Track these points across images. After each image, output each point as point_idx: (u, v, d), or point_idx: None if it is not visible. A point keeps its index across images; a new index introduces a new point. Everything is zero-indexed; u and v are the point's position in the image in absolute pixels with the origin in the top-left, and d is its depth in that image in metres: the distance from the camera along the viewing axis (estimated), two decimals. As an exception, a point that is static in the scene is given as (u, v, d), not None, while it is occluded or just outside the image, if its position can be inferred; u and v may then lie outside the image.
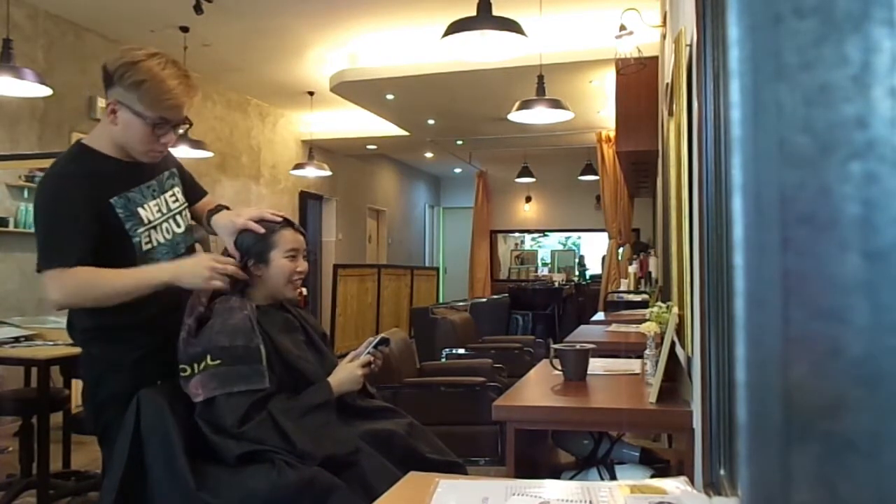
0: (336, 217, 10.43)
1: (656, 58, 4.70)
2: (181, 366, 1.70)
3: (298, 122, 9.30)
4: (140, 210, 1.77)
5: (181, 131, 1.80)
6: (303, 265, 1.89)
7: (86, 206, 1.67)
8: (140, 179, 1.79)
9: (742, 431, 0.37)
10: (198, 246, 2.01)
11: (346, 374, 1.85)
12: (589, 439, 2.17)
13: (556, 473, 2.16)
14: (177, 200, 1.89)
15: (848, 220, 0.33)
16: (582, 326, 4.60)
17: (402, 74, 6.43)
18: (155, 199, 1.82)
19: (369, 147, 10.30)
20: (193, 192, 2.01)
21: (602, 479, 2.05)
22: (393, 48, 6.36)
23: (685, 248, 1.79)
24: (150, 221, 1.79)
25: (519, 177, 11.14)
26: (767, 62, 0.35)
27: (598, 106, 7.44)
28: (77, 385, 3.86)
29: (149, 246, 1.78)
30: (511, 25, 3.38)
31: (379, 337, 1.97)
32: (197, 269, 1.69)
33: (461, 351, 4.43)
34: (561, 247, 14.89)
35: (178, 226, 1.88)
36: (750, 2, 0.36)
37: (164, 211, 1.84)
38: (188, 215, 1.94)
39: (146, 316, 1.75)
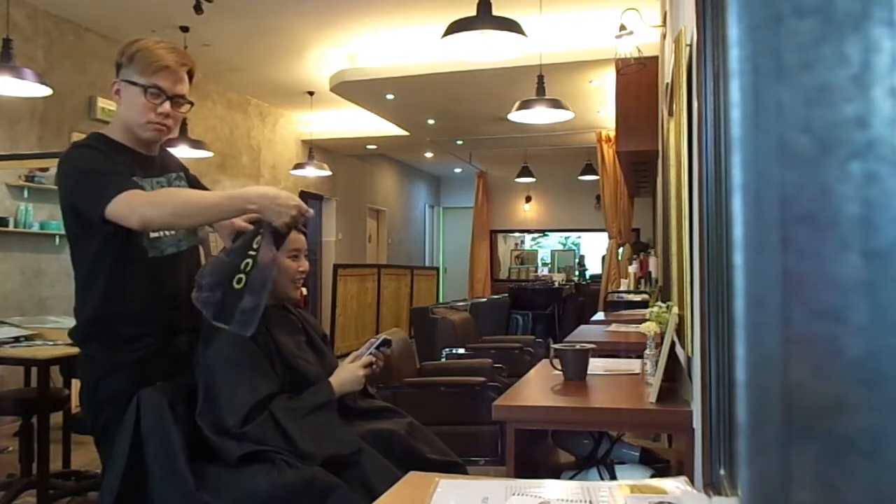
0: (336, 217, 10.42)
1: (656, 58, 4.70)
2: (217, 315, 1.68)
3: (298, 122, 9.30)
4: None
5: (184, 109, 1.82)
6: (304, 265, 1.90)
7: (111, 162, 1.71)
8: (151, 173, 1.82)
9: (742, 431, 0.37)
10: (203, 231, 2.01)
11: (347, 374, 1.85)
12: (589, 439, 2.17)
13: (556, 473, 2.16)
14: None
15: (848, 220, 0.33)
16: (582, 326, 4.60)
17: (402, 74, 6.44)
18: None
19: (369, 147, 10.30)
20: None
21: (602, 479, 2.05)
22: (393, 48, 6.36)
23: (685, 248, 1.79)
24: None
25: (519, 177, 11.14)
26: (767, 62, 0.35)
27: (598, 106, 7.44)
28: (77, 385, 3.85)
29: (156, 234, 1.79)
30: (511, 25, 3.38)
31: (381, 338, 1.97)
32: (281, 202, 1.66)
33: (461, 351, 4.43)
34: (561, 247, 14.89)
35: None
36: (750, 2, 0.36)
37: None
38: None
39: (147, 315, 1.76)
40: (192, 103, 1.84)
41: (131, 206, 1.60)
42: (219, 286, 1.67)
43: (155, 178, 1.82)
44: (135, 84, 1.74)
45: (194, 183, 2.02)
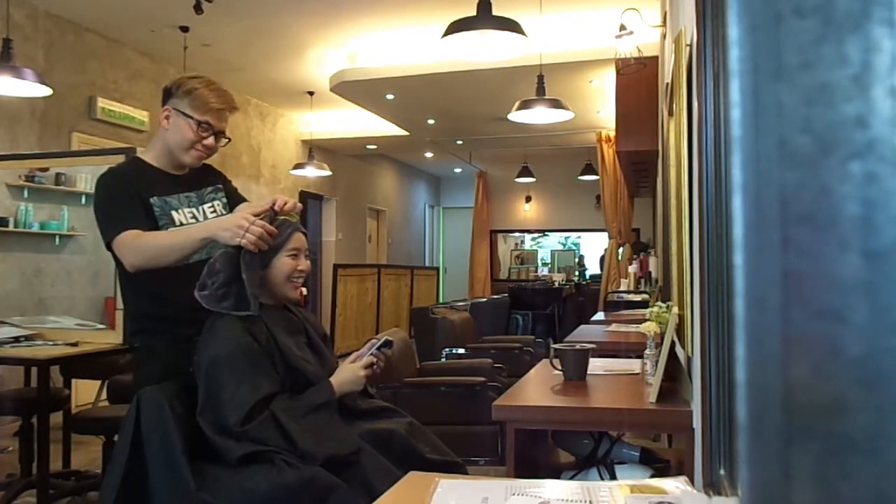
0: (336, 217, 10.42)
1: (656, 58, 4.70)
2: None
3: (298, 122, 9.30)
4: (174, 213, 1.98)
5: (222, 143, 2.05)
6: (304, 264, 1.90)
7: (135, 194, 1.94)
8: (180, 189, 2.02)
9: (742, 431, 0.37)
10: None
11: (348, 374, 1.85)
12: (589, 439, 2.17)
13: (556, 473, 2.16)
14: (214, 212, 2.09)
15: (848, 220, 0.33)
16: (582, 326, 4.59)
17: (402, 74, 6.43)
18: (191, 207, 2.03)
19: (369, 147, 10.30)
20: (235, 202, 2.19)
21: (602, 479, 2.05)
22: (393, 48, 6.36)
23: (685, 248, 1.79)
24: (181, 224, 1.97)
25: (519, 177, 11.14)
26: (767, 62, 0.35)
27: (598, 106, 7.44)
28: (77, 385, 3.86)
29: None
30: (511, 25, 3.38)
31: (383, 339, 1.96)
32: (227, 224, 1.82)
33: (461, 351, 4.43)
34: (561, 247, 14.89)
35: None
36: (750, 2, 0.36)
37: (200, 219, 2.02)
38: None
39: (174, 315, 1.92)
40: (230, 139, 2.07)
41: (122, 252, 1.85)
42: (233, 280, 1.80)
43: (184, 194, 2.02)
44: (189, 117, 1.97)
45: (234, 193, 2.21)
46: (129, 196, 1.92)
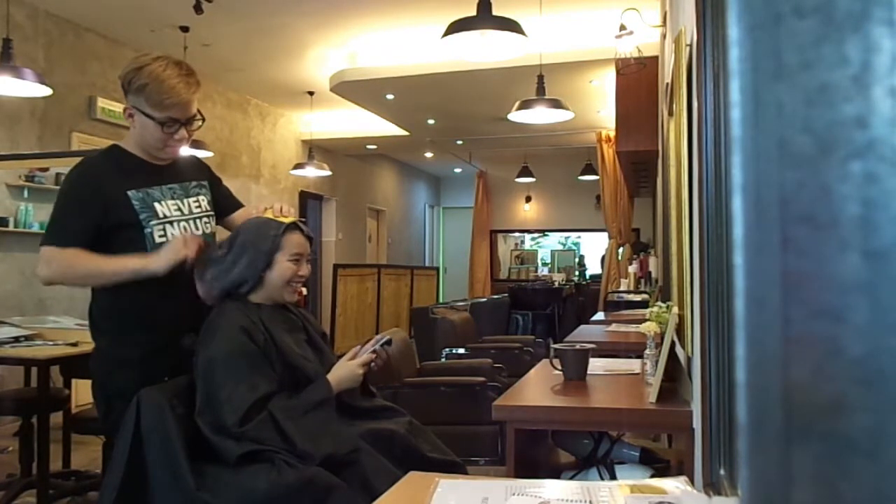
0: (336, 217, 10.42)
1: (656, 58, 4.70)
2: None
3: (298, 122, 9.30)
4: (156, 205, 1.86)
5: (195, 127, 1.91)
6: (305, 269, 1.90)
7: (98, 195, 1.80)
8: (163, 180, 1.90)
9: (742, 431, 0.37)
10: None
11: (345, 371, 1.85)
12: (589, 439, 2.17)
13: (556, 473, 2.16)
14: (199, 207, 1.98)
15: (848, 220, 0.33)
16: (582, 326, 4.60)
17: (402, 74, 6.43)
18: (175, 199, 1.91)
19: (369, 147, 10.30)
20: (227, 204, 2.13)
21: (602, 479, 2.05)
22: (393, 48, 6.36)
23: (685, 248, 1.79)
24: (165, 216, 1.87)
25: (519, 177, 11.14)
26: (767, 62, 0.35)
27: (598, 106, 7.44)
28: (77, 385, 3.86)
29: (163, 239, 1.86)
30: (511, 25, 3.38)
31: (384, 338, 1.97)
32: (163, 251, 1.78)
33: (461, 351, 4.43)
34: (561, 247, 14.88)
35: (197, 229, 1.95)
36: (750, 2, 0.36)
37: (185, 212, 1.93)
38: (211, 224, 2.02)
39: (150, 314, 1.82)
40: (203, 118, 1.91)
41: (42, 264, 1.78)
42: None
43: (167, 185, 1.90)
44: (150, 117, 1.81)
45: (224, 192, 2.13)
46: (89, 205, 1.79)
